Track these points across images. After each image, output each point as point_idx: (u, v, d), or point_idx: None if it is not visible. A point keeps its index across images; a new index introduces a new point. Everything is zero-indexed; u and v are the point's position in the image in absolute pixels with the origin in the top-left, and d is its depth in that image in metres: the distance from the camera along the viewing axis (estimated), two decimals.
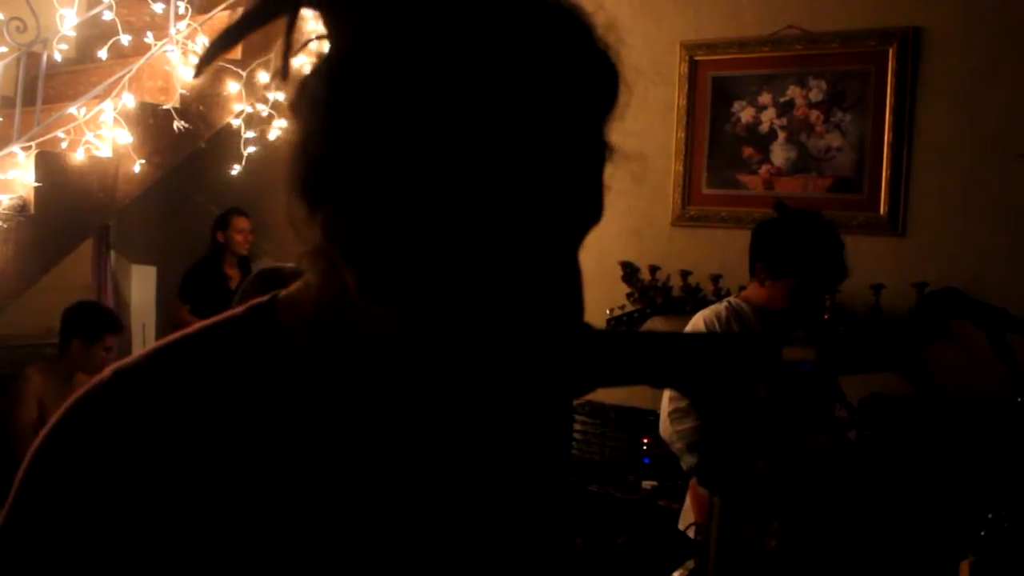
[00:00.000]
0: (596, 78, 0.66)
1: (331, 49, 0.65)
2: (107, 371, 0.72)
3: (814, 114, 3.84)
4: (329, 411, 0.71)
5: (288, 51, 0.67)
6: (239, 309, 0.76)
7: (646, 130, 4.09)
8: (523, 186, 0.63)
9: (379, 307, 0.67)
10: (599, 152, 0.68)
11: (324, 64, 0.65)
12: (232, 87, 3.87)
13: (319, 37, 0.67)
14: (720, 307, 2.77)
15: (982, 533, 2.09)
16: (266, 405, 0.70)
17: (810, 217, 2.70)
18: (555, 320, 0.69)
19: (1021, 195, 3.43)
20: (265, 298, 0.76)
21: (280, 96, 4.04)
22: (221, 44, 0.69)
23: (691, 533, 2.72)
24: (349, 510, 0.71)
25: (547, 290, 0.67)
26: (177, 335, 0.74)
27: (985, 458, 2.69)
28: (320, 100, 0.64)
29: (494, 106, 0.61)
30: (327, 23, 0.66)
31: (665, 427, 2.72)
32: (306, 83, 0.66)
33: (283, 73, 0.67)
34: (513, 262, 0.65)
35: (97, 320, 3.75)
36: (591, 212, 0.68)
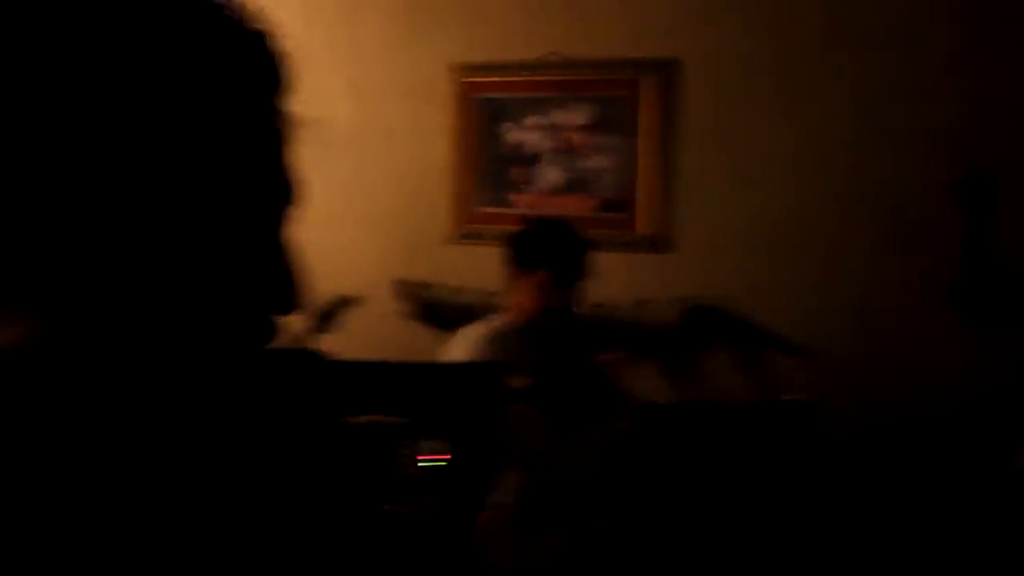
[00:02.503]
0: (247, 61, 0.65)
1: None
2: None
3: (579, 137, 3.98)
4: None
5: None
6: None
7: (419, 149, 4.12)
8: (188, 178, 0.61)
9: (28, 329, 0.60)
10: (270, 132, 0.67)
11: None
12: None
13: None
14: (481, 326, 2.84)
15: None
16: None
17: (554, 221, 2.87)
18: (271, 303, 0.67)
19: (774, 219, 3.69)
20: None
21: None
22: None
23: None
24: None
25: (254, 276, 0.66)
26: None
27: (735, 459, 2.86)
28: None
29: (138, 105, 0.59)
30: None
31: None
32: None
33: None
34: (198, 254, 0.62)
35: None
36: (280, 194, 0.67)
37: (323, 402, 0.82)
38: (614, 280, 3.71)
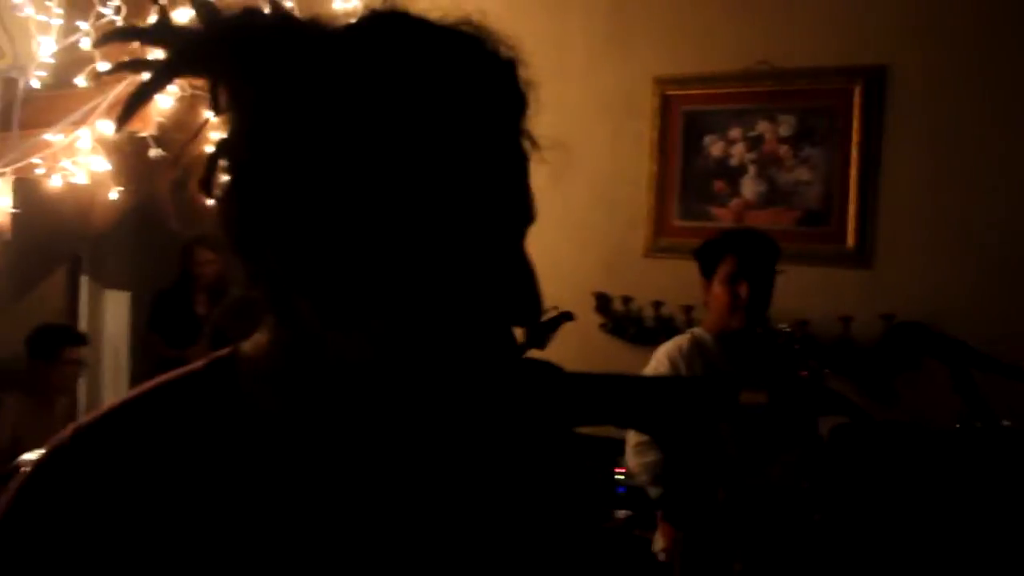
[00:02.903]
0: (500, 88, 0.69)
1: (242, 109, 0.69)
2: (67, 431, 0.72)
3: (783, 148, 3.91)
4: (293, 467, 0.71)
5: (216, 109, 0.71)
6: (199, 364, 0.76)
7: (619, 163, 4.16)
8: (449, 199, 0.66)
9: (338, 340, 0.69)
10: (517, 155, 0.71)
11: (237, 128, 0.68)
12: (210, 115, 3.88)
13: (225, 110, 0.70)
14: (682, 339, 2.85)
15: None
16: (228, 464, 0.70)
17: (738, 228, 2.83)
18: (514, 314, 0.71)
19: (985, 228, 3.51)
20: (225, 352, 0.76)
21: None
22: (134, 103, 0.72)
23: (661, 557, 2.75)
24: (319, 569, 0.70)
25: (499, 288, 0.70)
26: (135, 392, 0.74)
27: (950, 487, 2.73)
28: (242, 157, 0.68)
29: (406, 133, 0.65)
30: (234, 86, 0.69)
31: (630, 460, 2.78)
32: (224, 148, 0.69)
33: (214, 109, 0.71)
34: (456, 269, 0.67)
35: (52, 336, 3.75)
36: (522, 212, 0.71)
37: (559, 412, 0.86)
38: (816, 295, 3.62)
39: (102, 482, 0.68)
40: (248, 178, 0.67)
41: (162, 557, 0.67)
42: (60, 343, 3.72)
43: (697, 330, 2.89)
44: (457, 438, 0.78)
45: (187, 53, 0.70)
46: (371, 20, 0.69)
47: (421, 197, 0.65)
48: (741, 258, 2.74)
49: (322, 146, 0.65)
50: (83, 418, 0.73)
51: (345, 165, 0.64)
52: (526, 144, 0.72)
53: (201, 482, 0.69)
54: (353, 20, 0.70)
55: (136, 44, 0.75)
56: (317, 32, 0.69)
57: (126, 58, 0.75)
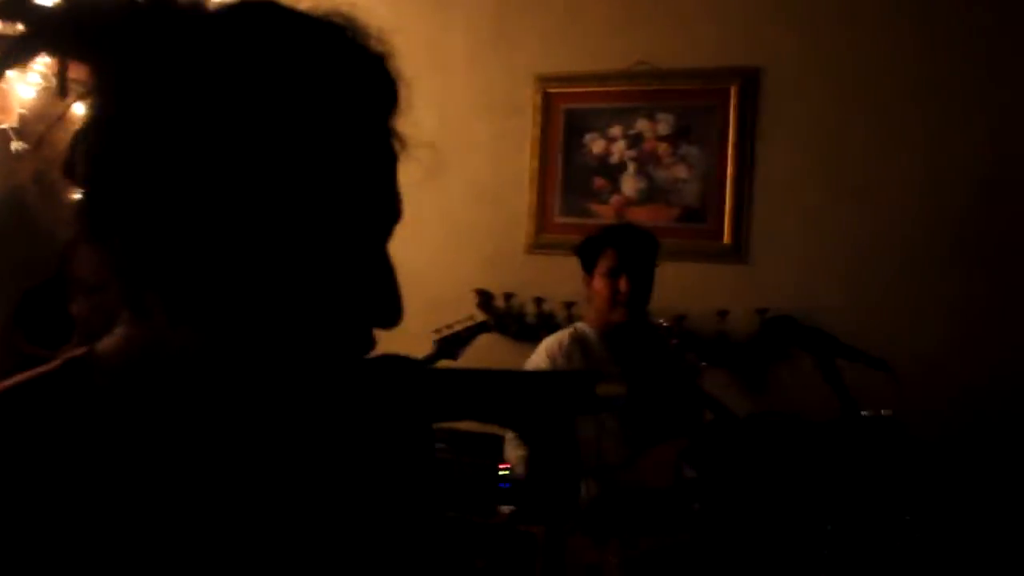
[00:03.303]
0: (369, 83, 0.68)
1: (99, 90, 0.66)
2: None
3: (662, 146, 3.99)
4: (145, 463, 0.69)
5: (62, 90, 0.68)
6: (53, 363, 0.74)
7: (501, 159, 4.17)
8: (312, 194, 0.65)
9: (187, 336, 0.67)
10: (385, 152, 0.70)
11: (95, 109, 0.66)
12: (77, 108, 3.72)
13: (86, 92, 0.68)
14: (563, 334, 2.89)
15: (825, 552, 2.20)
16: (81, 464, 0.68)
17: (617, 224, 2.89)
18: (374, 316, 0.70)
19: (854, 226, 3.64)
20: (81, 351, 0.74)
21: None
22: None
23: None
24: (178, 560, 0.69)
25: (360, 289, 0.69)
26: None
27: (819, 476, 2.83)
28: (97, 142, 0.65)
29: (270, 123, 0.63)
30: (97, 67, 0.67)
31: (508, 453, 2.82)
32: (80, 135, 0.67)
33: (61, 94, 0.69)
34: (316, 267, 0.66)
35: None
36: (388, 211, 0.71)
37: (413, 407, 0.85)
38: (694, 290, 3.71)
39: None
40: (102, 164, 0.65)
41: (16, 558, 0.64)
42: None
43: (580, 324, 2.93)
44: (300, 433, 0.77)
45: (47, 29, 0.67)
46: (239, 7, 0.67)
47: (281, 192, 0.64)
48: (620, 252, 2.78)
49: (179, 134, 0.62)
50: None
51: (202, 155, 0.62)
52: (395, 142, 0.70)
53: (52, 483, 0.66)
54: (222, 5, 0.67)
55: None
56: (183, 15, 0.66)
57: None
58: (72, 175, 0.67)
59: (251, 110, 0.63)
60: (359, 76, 0.67)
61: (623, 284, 2.77)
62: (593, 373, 2.74)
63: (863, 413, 2.45)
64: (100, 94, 0.66)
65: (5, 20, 0.68)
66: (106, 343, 0.73)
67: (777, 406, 3.48)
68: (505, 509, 3.76)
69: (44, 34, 0.67)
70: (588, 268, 2.86)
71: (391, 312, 0.71)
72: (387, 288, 0.71)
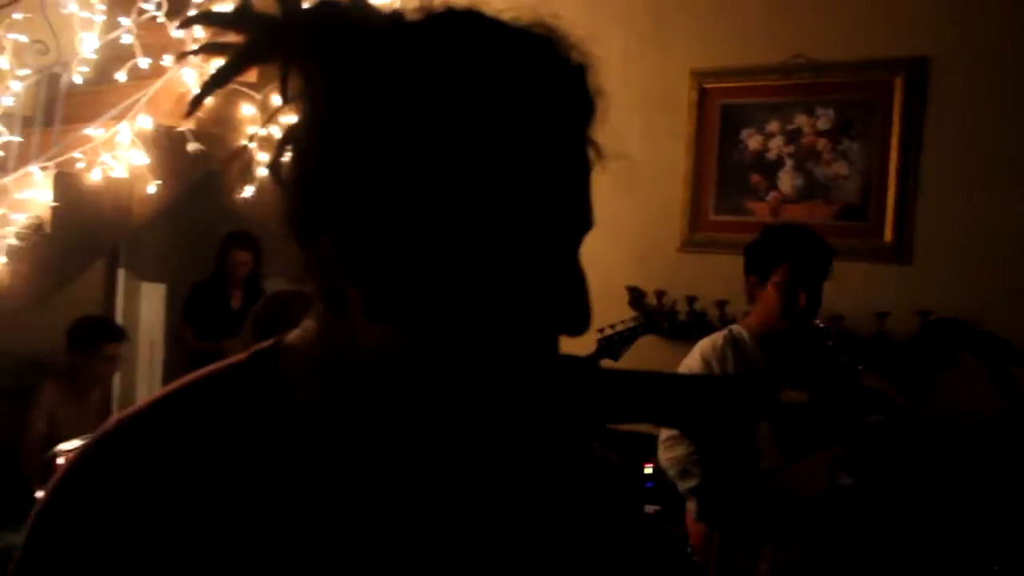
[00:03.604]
0: (569, 93, 0.69)
1: (314, 95, 0.69)
2: (111, 421, 0.73)
3: (821, 142, 3.88)
4: (334, 456, 0.72)
5: (284, 95, 0.72)
6: (242, 355, 0.77)
7: (654, 155, 4.13)
8: (511, 200, 0.66)
9: (379, 335, 0.69)
10: (582, 163, 0.71)
11: (309, 114, 0.69)
12: (247, 110, 3.91)
13: (299, 93, 0.71)
14: (718, 336, 2.83)
15: (995, 568, 2.10)
16: (270, 454, 0.71)
17: (789, 225, 2.80)
18: (564, 323, 0.71)
19: (1021, 226, 3.45)
20: (268, 343, 0.77)
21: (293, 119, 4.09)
22: (210, 86, 0.73)
23: (691, 552, 2.75)
24: (361, 555, 0.72)
25: (550, 295, 0.70)
26: (179, 383, 0.75)
27: (987, 487, 2.70)
28: (311, 143, 0.68)
29: (473, 130, 0.65)
30: (308, 73, 0.70)
31: (661, 455, 2.78)
32: (293, 134, 0.70)
33: (283, 97, 0.72)
34: (510, 271, 0.67)
35: (92, 330, 3.80)
36: (581, 220, 0.71)
37: (588, 408, 0.87)
38: (852, 291, 3.59)
39: (144, 472, 0.68)
40: (313, 166, 0.68)
41: (202, 548, 0.67)
42: (99, 337, 3.78)
43: (736, 327, 2.87)
44: (482, 436, 0.79)
45: (266, 38, 0.71)
46: (446, 17, 0.69)
47: (483, 198, 0.65)
48: (798, 267, 2.70)
49: (390, 139, 0.65)
50: (128, 409, 0.74)
51: (411, 160, 0.65)
52: (591, 152, 0.71)
53: (242, 474, 0.70)
54: (428, 15, 0.70)
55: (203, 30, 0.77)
56: (393, 24, 0.70)
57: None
58: (277, 175, 0.71)
59: (455, 117, 0.65)
60: (560, 87, 0.68)
61: (801, 299, 2.70)
62: (777, 378, 2.69)
63: None
64: (312, 99, 0.69)
65: (230, 28, 0.73)
66: (295, 336, 0.77)
67: (941, 414, 3.33)
68: (649, 509, 3.75)
69: (265, 42, 0.71)
70: (758, 273, 2.77)
71: (580, 320, 0.71)
72: (577, 296, 0.71)
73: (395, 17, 0.70)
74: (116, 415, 0.74)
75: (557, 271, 0.70)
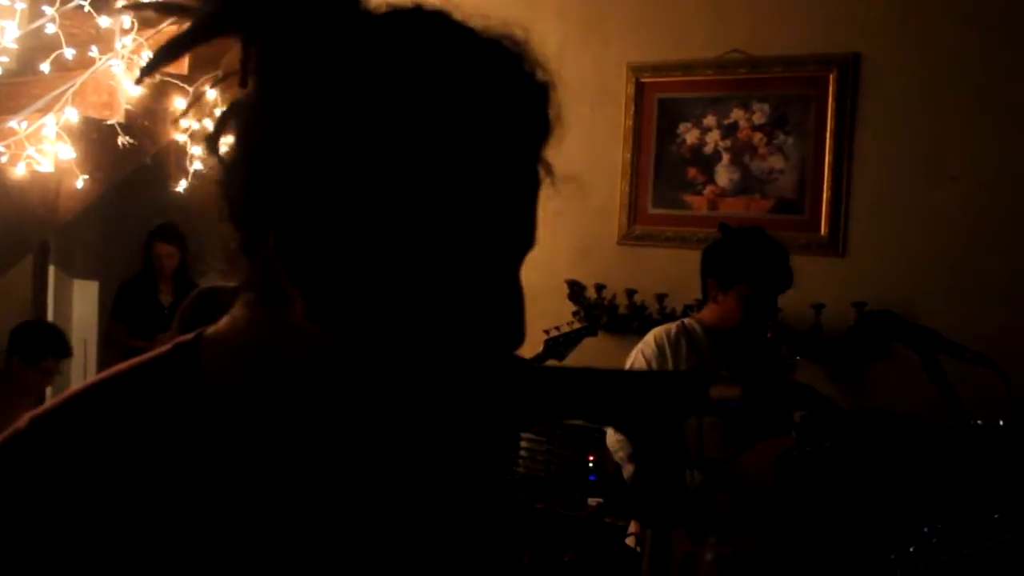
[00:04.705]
0: (529, 110, 0.68)
1: (264, 77, 0.67)
2: (23, 420, 0.70)
3: (757, 136, 3.92)
4: (256, 449, 0.71)
5: (245, 72, 0.69)
6: (164, 348, 0.75)
7: (593, 150, 4.14)
8: (459, 212, 0.65)
9: (311, 333, 0.68)
10: (533, 180, 0.70)
11: (259, 93, 0.67)
12: (179, 103, 3.84)
13: (253, 64, 0.68)
14: (672, 326, 2.86)
15: (911, 549, 2.14)
16: (187, 448, 0.69)
17: (752, 231, 2.83)
18: (498, 338, 0.71)
19: (956, 217, 3.53)
20: (190, 336, 0.75)
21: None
22: (164, 55, 0.70)
23: (630, 542, 2.76)
24: (280, 548, 0.71)
25: (488, 310, 0.69)
26: (98, 377, 0.73)
27: (921, 476, 2.75)
28: (258, 127, 0.66)
29: (429, 135, 0.63)
30: (263, 50, 0.68)
31: (609, 436, 2.82)
32: (240, 111, 0.68)
33: (242, 81, 0.69)
34: (451, 284, 0.66)
35: (41, 341, 3.68)
36: (525, 238, 0.71)
37: (515, 406, 0.86)
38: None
39: (53, 471, 0.66)
40: (260, 148, 0.65)
41: (116, 544, 0.66)
42: (45, 349, 3.64)
43: (688, 320, 2.90)
44: (401, 433, 0.78)
45: (233, 6, 0.68)
46: (415, 14, 0.68)
47: (431, 206, 0.64)
48: (763, 288, 2.75)
49: (343, 132, 0.63)
50: (42, 406, 0.72)
51: (363, 157, 0.63)
52: (541, 169, 0.71)
53: (155, 468, 0.68)
54: (396, 9, 0.68)
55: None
56: (361, 13, 0.68)
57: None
58: (215, 150, 0.68)
59: (412, 117, 0.63)
60: (521, 103, 0.67)
61: (763, 312, 2.77)
62: (707, 374, 2.71)
63: (977, 422, 2.37)
64: (267, 75, 0.67)
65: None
66: (220, 327, 0.75)
67: (874, 404, 3.39)
68: (593, 502, 3.77)
69: (232, 10, 0.68)
70: (720, 281, 2.81)
71: (514, 336, 0.71)
72: (514, 312, 0.71)
73: (364, 5, 0.68)
74: (29, 413, 0.71)
75: (497, 287, 0.70)
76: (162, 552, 0.67)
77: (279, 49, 0.66)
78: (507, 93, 0.66)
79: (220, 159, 0.68)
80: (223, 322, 0.75)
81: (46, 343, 3.68)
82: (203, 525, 0.68)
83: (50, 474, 0.66)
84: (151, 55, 0.71)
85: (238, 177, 0.67)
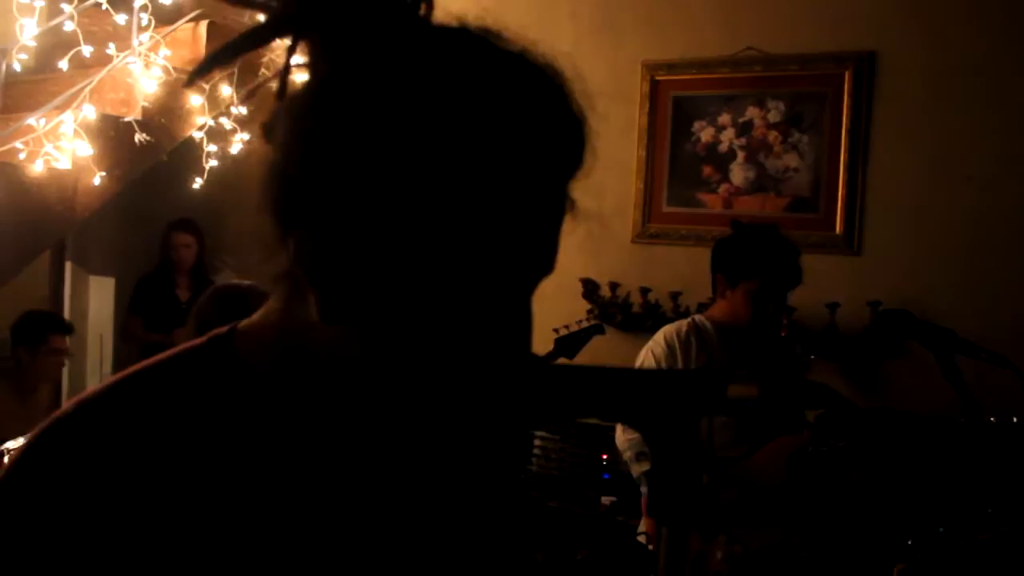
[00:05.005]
0: (566, 143, 0.69)
1: (316, 78, 0.68)
2: (68, 404, 0.72)
3: (772, 134, 3.91)
4: (289, 438, 0.72)
5: (286, 74, 0.70)
6: (200, 340, 0.76)
7: (607, 148, 4.09)
8: (486, 233, 0.66)
9: (336, 330, 0.69)
10: (559, 210, 0.71)
11: (309, 93, 0.68)
12: (195, 100, 3.85)
13: (300, 65, 0.70)
14: (682, 324, 2.84)
15: (909, 542, 2.15)
16: (227, 435, 0.71)
17: (763, 227, 2.82)
18: (502, 356, 0.72)
19: (971, 216, 3.51)
20: (225, 328, 0.77)
21: (243, 110, 4.05)
22: (219, 57, 0.72)
23: (642, 540, 2.76)
24: (310, 536, 0.72)
25: (497, 329, 0.70)
26: (137, 366, 0.74)
27: (938, 475, 2.74)
28: (302, 127, 0.66)
29: (466, 155, 0.64)
30: (314, 53, 0.69)
31: (618, 437, 2.81)
32: (288, 108, 0.68)
33: (279, 94, 0.70)
34: (467, 300, 0.67)
35: (37, 323, 3.72)
36: (544, 265, 0.72)
37: (530, 405, 0.86)
38: (804, 282, 3.61)
39: (100, 452, 0.68)
40: (307, 147, 0.66)
41: (160, 530, 0.67)
42: (45, 330, 3.69)
43: (699, 317, 2.89)
44: (420, 433, 0.79)
45: (308, 8, 0.69)
46: (470, 34, 0.69)
47: (462, 224, 0.65)
48: (773, 283, 2.73)
49: (389, 140, 0.64)
50: (84, 392, 0.73)
51: (401, 170, 0.64)
52: (567, 201, 0.71)
53: (200, 454, 0.70)
54: (446, 27, 0.69)
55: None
56: (420, 23, 0.69)
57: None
58: (270, 137, 0.69)
59: (453, 138, 0.64)
60: (560, 136, 0.68)
61: (770, 308, 2.75)
62: (724, 373, 2.70)
63: (991, 419, 2.36)
64: (322, 79, 0.67)
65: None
66: (256, 320, 0.76)
67: (890, 403, 3.38)
68: (606, 500, 3.76)
69: (300, 11, 0.69)
70: (729, 276, 2.79)
71: (517, 360, 0.73)
72: (521, 337, 0.72)
73: (424, 17, 0.70)
74: (74, 398, 0.72)
75: (507, 311, 0.71)
76: (208, 534, 0.68)
77: (343, 54, 0.67)
78: (548, 124, 0.68)
79: (274, 147, 0.69)
80: (258, 314, 0.76)
81: (44, 323, 3.72)
82: (243, 512, 0.69)
83: (96, 456, 0.67)
84: (205, 57, 0.72)
85: (282, 172, 0.68)
